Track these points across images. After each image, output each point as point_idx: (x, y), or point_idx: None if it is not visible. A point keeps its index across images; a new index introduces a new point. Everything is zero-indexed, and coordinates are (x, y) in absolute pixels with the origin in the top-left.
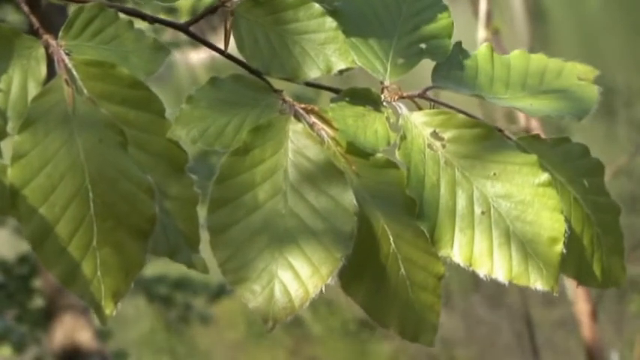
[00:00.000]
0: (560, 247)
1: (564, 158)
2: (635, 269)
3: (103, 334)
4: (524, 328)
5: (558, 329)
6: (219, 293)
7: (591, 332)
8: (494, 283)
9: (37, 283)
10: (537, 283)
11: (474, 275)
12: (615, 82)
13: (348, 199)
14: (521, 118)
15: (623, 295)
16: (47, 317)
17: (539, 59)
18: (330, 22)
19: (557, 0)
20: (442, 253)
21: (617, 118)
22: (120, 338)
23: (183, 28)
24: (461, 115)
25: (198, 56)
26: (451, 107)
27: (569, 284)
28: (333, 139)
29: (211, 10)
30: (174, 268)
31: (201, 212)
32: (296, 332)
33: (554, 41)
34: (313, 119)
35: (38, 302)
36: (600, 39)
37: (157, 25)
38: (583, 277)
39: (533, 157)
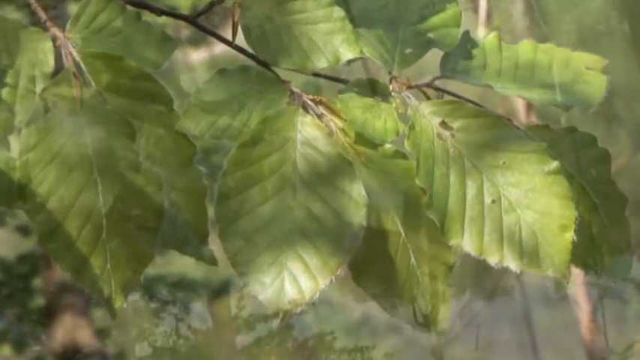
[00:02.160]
0: (570, 235)
1: (572, 147)
2: (635, 269)
3: (102, 334)
4: (525, 328)
5: (558, 329)
6: (219, 293)
7: (591, 332)
8: (494, 283)
9: (38, 282)
10: (549, 270)
11: (474, 275)
12: (615, 82)
13: (358, 190)
14: (522, 115)
15: (624, 295)
16: (48, 316)
17: (546, 49)
18: (337, 11)
19: (557, 0)
20: (452, 242)
21: (617, 118)
22: (119, 338)
23: (190, 20)
24: (469, 105)
25: (198, 55)
26: (459, 97)
27: (570, 284)
28: (342, 130)
29: (219, 1)
30: (174, 268)
31: (209, 208)
32: (296, 333)
33: (554, 41)
34: (322, 110)
35: (39, 301)
36: (600, 39)
37: (160, 21)
38: (591, 267)
39: (542, 145)
